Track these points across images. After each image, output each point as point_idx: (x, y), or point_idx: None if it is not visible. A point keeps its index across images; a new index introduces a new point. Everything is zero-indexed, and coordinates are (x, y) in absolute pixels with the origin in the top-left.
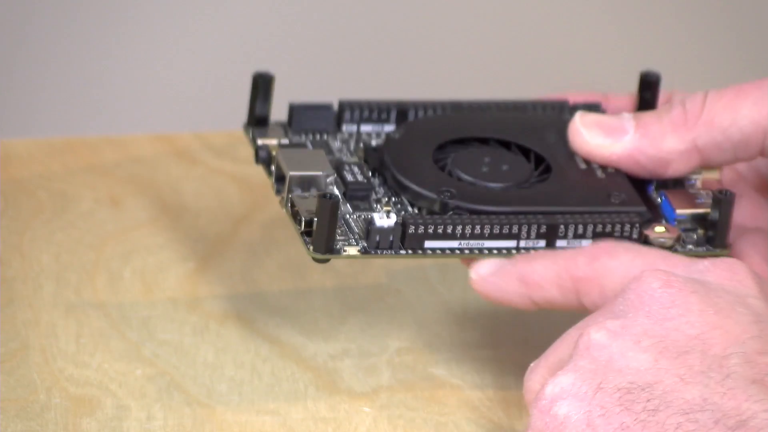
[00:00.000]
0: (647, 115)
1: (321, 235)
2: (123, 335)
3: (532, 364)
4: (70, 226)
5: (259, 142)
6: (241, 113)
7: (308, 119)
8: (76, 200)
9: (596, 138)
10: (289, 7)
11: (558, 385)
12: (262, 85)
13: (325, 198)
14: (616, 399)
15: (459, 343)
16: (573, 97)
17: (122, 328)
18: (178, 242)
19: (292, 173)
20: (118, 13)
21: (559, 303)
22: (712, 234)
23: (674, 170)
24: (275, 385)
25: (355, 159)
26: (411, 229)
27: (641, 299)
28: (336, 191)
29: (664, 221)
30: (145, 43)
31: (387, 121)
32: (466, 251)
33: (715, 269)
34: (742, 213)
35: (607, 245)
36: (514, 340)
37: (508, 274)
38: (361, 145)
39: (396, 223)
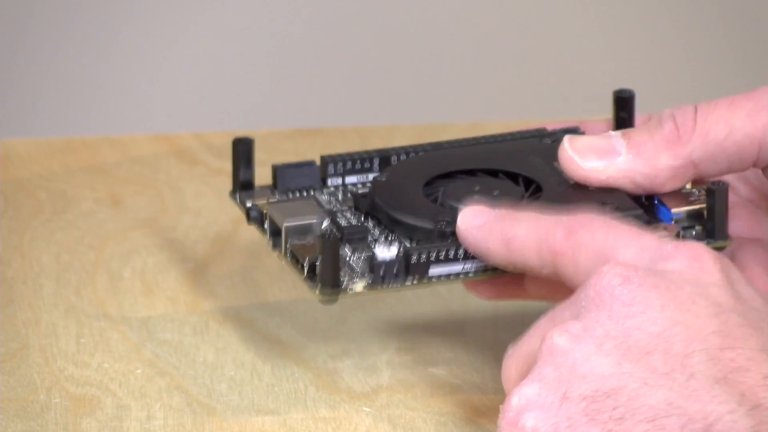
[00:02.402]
0: (638, 134)
1: (326, 274)
2: (123, 335)
3: (508, 349)
4: (70, 226)
5: (248, 203)
6: (241, 113)
7: (293, 178)
8: (76, 200)
9: (589, 162)
10: (289, 7)
11: (524, 396)
12: (243, 151)
13: (325, 237)
14: (582, 409)
15: (459, 343)
16: (550, 126)
17: (122, 328)
18: (178, 242)
19: (287, 224)
20: (118, 14)
21: (537, 270)
22: (710, 226)
23: (670, 186)
24: (275, 385)
25: (345, 207)
26: (414, 259)
27: (602, 297)
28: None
29: (662, 225)
30: (145, 43)
31: (371, 170)
32: (471, 274)
33: (678, 255)
34: (739, 225)
35: (584, 218)
36: (514, 340)
37: (493, 233)
38: (349, 195)
39: (398, 254)
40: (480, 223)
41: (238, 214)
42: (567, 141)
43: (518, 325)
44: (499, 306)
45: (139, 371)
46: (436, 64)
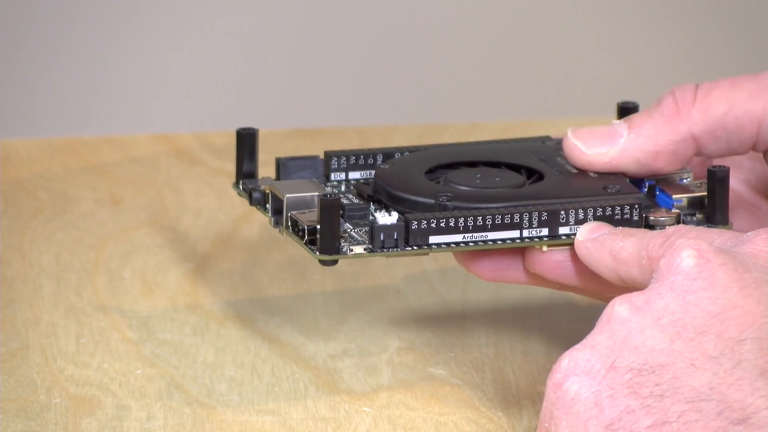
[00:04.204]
0: (638, 116)
1: (326, 235)
2: (123, 335)
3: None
4: (70, 226)
5: (251, 186)
6: (241, 113)
7: (296, 171)
8: (76, 200)
9: (593, 147)
10: (289, 8)
11: (573, 360)
12: (247, 141)
13: (326, 197)
14: (626, 381)
15: (459, 343)
16: (555, 136)
17: (122, 328)
18: (178, 242)
19: (288, 195)
20: (118, 14)
21: (639, 282)
22: (710, 210)
23: (672, 165)
24: (275, 385)
25: (348, 197)
26: (414, 225)
27: (670, 269)
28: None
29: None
30: (145, 44)
31: (373, 166)
32: (471, 244)
33: (756, 238)
34: (741, 223)
35: (683, 227)
36: (514, 341)
37: (605, 245)
38: (352, 187)
39: (398, 220)
40: (595, 236)
41: (239, 213)
42: (570, 131)
43: (519, 326)
44: (499, 305)
45: (139, 371)
46: (435, 64)
